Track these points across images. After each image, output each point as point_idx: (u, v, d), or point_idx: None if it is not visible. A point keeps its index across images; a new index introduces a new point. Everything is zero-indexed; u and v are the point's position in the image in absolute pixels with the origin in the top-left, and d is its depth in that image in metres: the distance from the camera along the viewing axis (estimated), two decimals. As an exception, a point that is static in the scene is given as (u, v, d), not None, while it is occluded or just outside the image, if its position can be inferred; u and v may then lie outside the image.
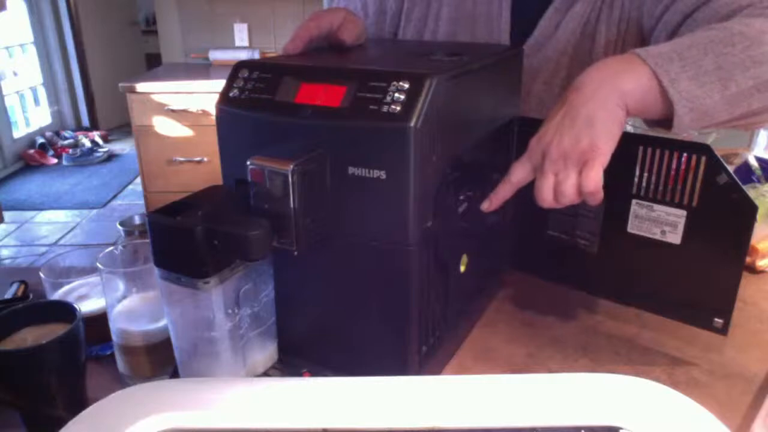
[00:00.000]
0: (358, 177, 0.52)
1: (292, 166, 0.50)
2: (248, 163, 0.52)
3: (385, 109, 0.50)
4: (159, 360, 0.64)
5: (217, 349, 0.57)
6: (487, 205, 0.66)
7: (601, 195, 0.57)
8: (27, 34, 4.50)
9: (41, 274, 0.70)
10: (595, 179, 0.56)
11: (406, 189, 0.51)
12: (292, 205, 0.51)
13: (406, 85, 0.51)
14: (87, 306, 0.69)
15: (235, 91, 0.58)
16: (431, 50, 0.68)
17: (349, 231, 0.56)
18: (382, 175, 0.51)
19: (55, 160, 4.33)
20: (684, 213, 0.64)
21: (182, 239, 0.51)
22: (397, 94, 0.51)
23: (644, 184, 0.66)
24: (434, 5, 0.93)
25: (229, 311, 0.56)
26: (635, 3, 0.83)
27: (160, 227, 0.53)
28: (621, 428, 0.41)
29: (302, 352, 0.65)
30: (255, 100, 0.57)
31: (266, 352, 0.64)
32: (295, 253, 0.53)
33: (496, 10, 0.90)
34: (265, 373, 0.63)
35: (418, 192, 0.52)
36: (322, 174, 0.54)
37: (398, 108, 0.50)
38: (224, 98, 0.59)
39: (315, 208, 0.54)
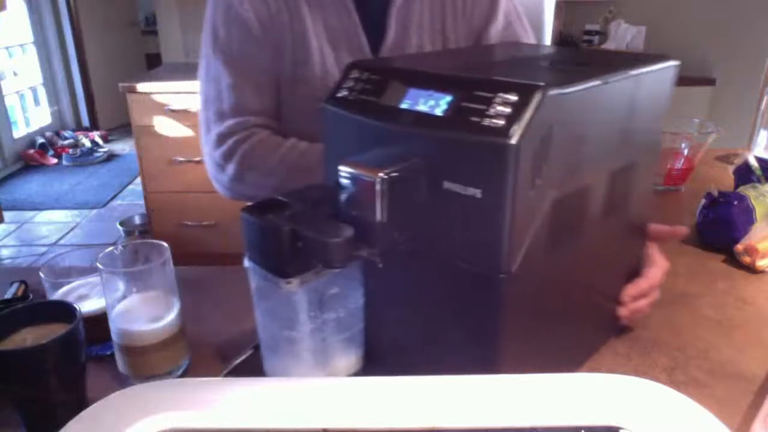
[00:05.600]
0: (452, 193, 0.48)
1: (380, 175, 0.48)
2: (339, 167, 0.50)
3: (486, 122, 0.46)
4: (159, 360, 0.64)
5: (296, 349, 0.57)
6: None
7: None
8: (27, 34, 4.50)
9: (41, 274, 0.70)
10: None
11: (502, 211, 0.46)
12: (378, 215, 0.49)
13: (513, 98, 0.46)
14: (87, 306, 0.69)
15: (344, 91, 0.57)
16: (561, 59, 0.62)
17: (438, 249, 0.52)
18: (477, 193, 0.47)
19: (55, 160, 4.33)
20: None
21: (268, 238, 0.50)
22: (501, 107, 0.46)
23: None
24: (310, 34, 0.89)
25: (311, 314, 0.56)
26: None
27: (249, 223, 0.52)
28: (621, 428, 0.41)
29: (387, 364, 0.62)
30: (360, 102, 0.55)
31: (350, 359, 0.62)
32: (380, 265, 0.51)
33: (348, 21, 0.89)
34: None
35: (515, 216, 0.47)
36: (416, 186, 0.50)
37: (501, 122, 0.45)
38: (332, 97, 0.57)
39: (404, 221, 0.51)
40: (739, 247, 0.91)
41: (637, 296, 0.69)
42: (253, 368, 0.65)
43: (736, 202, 0.95)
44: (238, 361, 0.67)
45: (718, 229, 0.95)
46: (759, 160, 1.12)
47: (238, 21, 0.88)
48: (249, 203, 0.54)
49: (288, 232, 0.49)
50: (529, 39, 0.99)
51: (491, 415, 0.42)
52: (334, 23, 0.89)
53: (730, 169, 1.19)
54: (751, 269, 0.89)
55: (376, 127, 0.53)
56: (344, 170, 0.50)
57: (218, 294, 0.85)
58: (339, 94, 0.57)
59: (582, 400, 0.43)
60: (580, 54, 0.67)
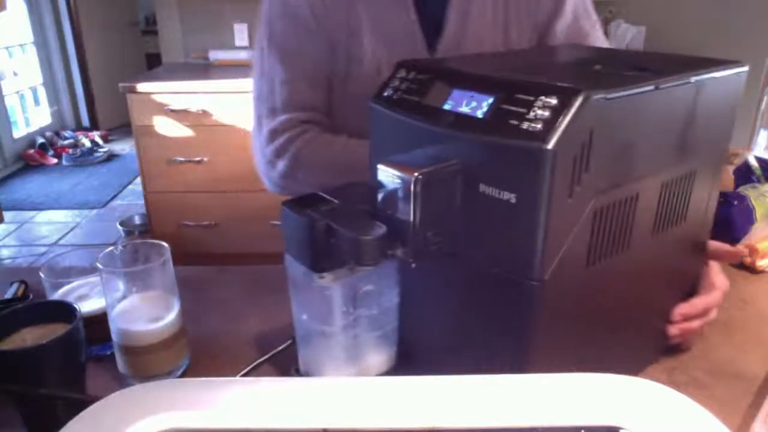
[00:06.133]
0: (487, 196, 0.48)
1: (416, 175, 0.48)
2: (378, 166, 0.51)
3: (525, 125, 0.45)
4: (159, 360, 0.64)
5: (329, 343, 0.58)
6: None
7: None
8: (27, 34, 4.50)
9: (41, 274, 0.70)
10: None
11: (535, 218, 0.45)
12: (411, 215, 0.49)
13: (553, 101, 0.44)
14: (87, 306, 0.69)
15: (390, 90, 0.57)
16: (617, 62, 0.60)
17: (472, 252, 0.51)
18: (512, 198, 0.46)
19: (55, 160, 4.33)
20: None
21: (303, 232, 0.51)
22: (540, 111, 0.44)
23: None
24: (355, 31, 0.88)
25: (344, 310, 0.56)
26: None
27: (287, 217, 0.53)
28: (621, 428, 0.41)
29: (419, 363, 0.62)
30: (403, 102, 0.55)
31: (382, 356, 0.62)
32: (413, 265, 0.51)
33: (406, 17, 0.88)
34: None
35: (550, 223, 0.45)
36: (452, 187, 0.50)
37: (539, 126, 0.44)
38: (378, 96, 0.57)
39: (438, 222, 0.50)
40: (740, 247, 0.91)
41: (691, 316, 0.66)
42: (289, 360, 0.65)
43: (736, 202, 0.95)
44: (274, 351, 0.68)
45: (718, 229, 0.95)
46: (759, 160, 1.12)
47: (294, 15, 0.88)
48: (288, 197, 0.55)
49: (322, 227, 0.50)
50: (597, 35, 0.95)
51: (491, 415, 0.42)
52: (391, 19, 0.88)
53: (730, 169, 1.19)
54: (751, 269, 0.89)
55: (417, 128, 0.53)
56: (382, 169, 0.51)
57: (218, 294, 0.85)
58: (385, 93, 0.57)
59: (582, 400, 0.43)
60: (642, 58, 0.63)
